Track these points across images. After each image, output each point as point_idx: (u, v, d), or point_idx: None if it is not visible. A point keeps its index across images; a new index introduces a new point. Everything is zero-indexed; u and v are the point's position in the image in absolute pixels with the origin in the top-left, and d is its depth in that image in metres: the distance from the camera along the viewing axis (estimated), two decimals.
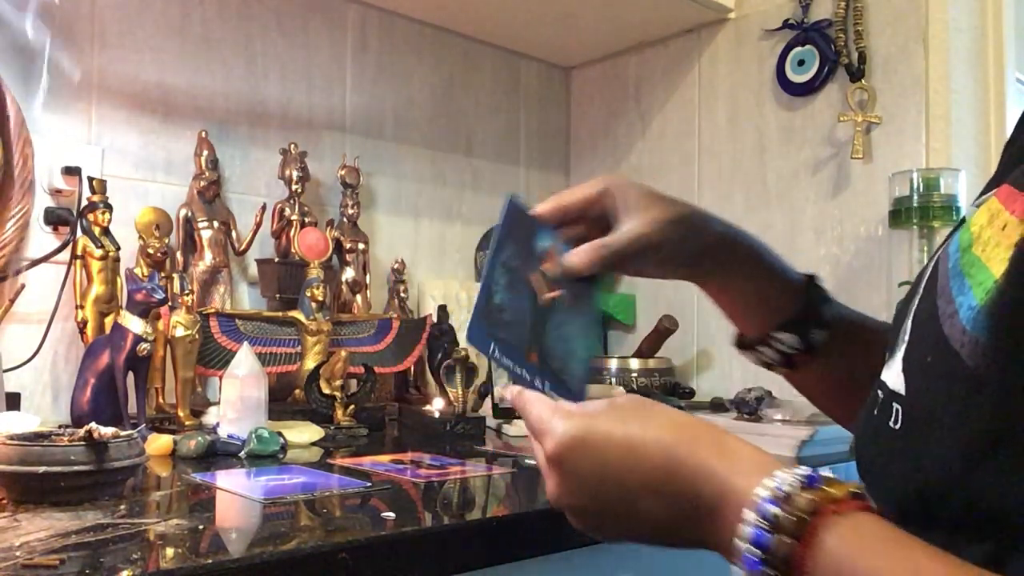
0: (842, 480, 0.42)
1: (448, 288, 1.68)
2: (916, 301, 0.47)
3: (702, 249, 0.64)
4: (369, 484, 0.78)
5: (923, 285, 0.46)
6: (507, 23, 1.74)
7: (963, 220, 0.47)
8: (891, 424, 0.46)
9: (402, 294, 1.55)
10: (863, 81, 1.45)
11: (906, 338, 0.46)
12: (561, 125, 2.01)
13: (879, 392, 0.48)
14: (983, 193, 0.48)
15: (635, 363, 1.59)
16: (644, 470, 0.48)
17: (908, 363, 0.45)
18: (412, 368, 1.46)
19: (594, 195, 0.64)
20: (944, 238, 0.49)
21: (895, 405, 0.46)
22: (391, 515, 0.65)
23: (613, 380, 1.57)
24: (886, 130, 1.43)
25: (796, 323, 0.66)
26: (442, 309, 1.50)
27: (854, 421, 0.54)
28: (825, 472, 0.42)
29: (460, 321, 1.63)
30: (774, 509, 0.40)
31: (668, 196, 0.64)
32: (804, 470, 0.42)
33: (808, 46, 1.53)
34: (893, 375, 0.47)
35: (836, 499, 0.40)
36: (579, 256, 0.62)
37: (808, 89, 1.54)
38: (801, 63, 1.54)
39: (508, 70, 1.90)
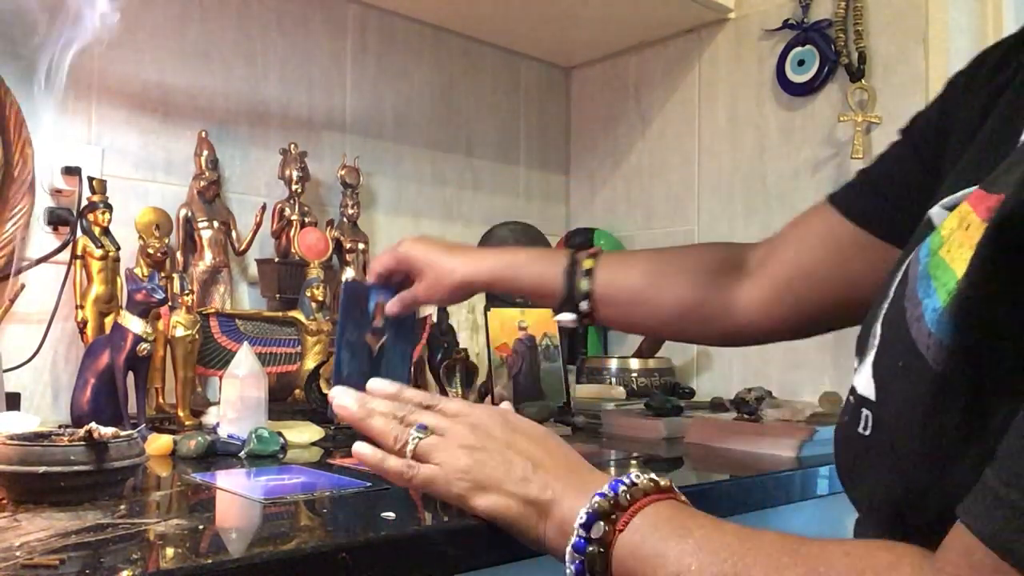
0: (655, 477, 0.52)
1: None
2: (885, 306, 0.47)
3: (472, 293, 0.95)
4: (369, 484, 0.78)
5: (893, 289, 0.46)
6: (507, 23, 1.74)
7: (931, 224, 0.47)
8: (860, 430, 0.46)
9: None
10: (863, 81, 1.45)
11: (876, 343, 0.46)
12: (561, 125, 2.01)
13: (850, 398, 0.48)
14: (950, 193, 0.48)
15: (635, 363, 1.59)
16: (547, 442, 0.62)
17: (878, 368, 0.46)
18: (412, 368, 1.46)
19: (393, 264, 0.95)
20: (910, 241, 0.49)
21: (864, 411, 0.46)
22: (391, 515, 0.65)
23: (613, 380, 1.57)
24: (886, 130, 1.43)
25: (565, 301, 0.87)
26: (442, 309, 1.50)
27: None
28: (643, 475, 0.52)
29: (460, 321, 1.63)
30: (601, 501, 0.50)
31: (451, 256, 0.92)
32: (624, 478, 0.51)
33: (808, 46, 1.53)
34: (863, 381, 0.47)
35: (659, 490, 0.51)
36: (391, 304, 0.97)
37: (808, 89, 1.54)
38: (801, 63, 1.54)
39: (508, 70, 1.90)
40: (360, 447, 0.65)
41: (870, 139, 1.45)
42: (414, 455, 0.61)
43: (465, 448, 0.60)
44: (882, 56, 1.45)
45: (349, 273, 1.47)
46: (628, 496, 0.49)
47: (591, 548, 0.48)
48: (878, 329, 0.47)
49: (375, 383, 0.70)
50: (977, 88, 0.58)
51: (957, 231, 0.41)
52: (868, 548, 0.39)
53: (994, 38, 1.45)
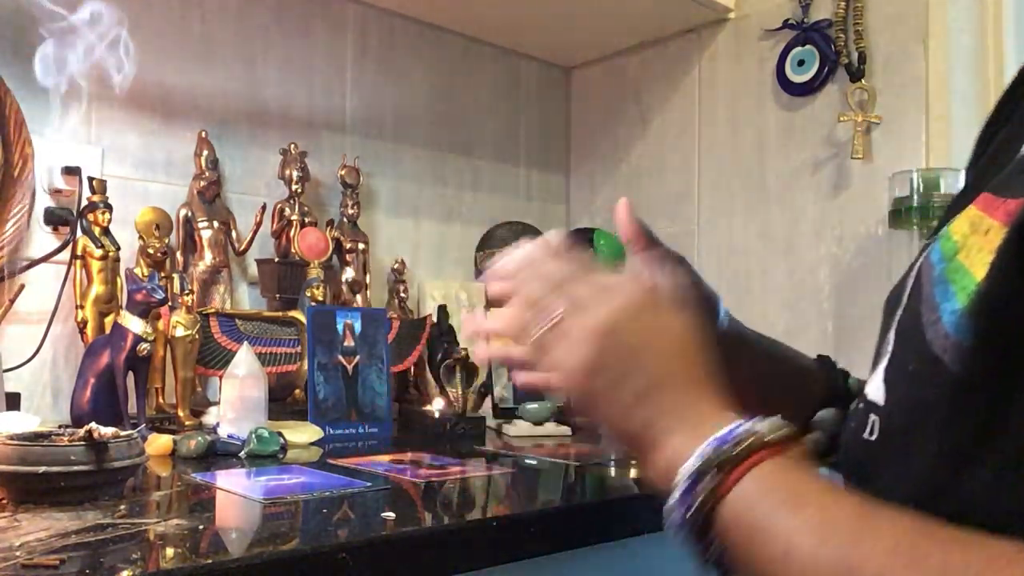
0: (776, 424, 0.45)
1: (448, 288, 1.68)
2: (899, 313, 0.47)
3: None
4: (369, 484, 0.78)
5: (906, 296, 0.46)
6: (507, 23, 1.74)
7: (938, 232, 0.47)
8: (865, 435, 0.46)
9: (402, 294, 1.55)
10: (863, 81, 1.45)
11: (889, 349, 0.46)
12: (561, 125, 2.01)
13: (859, 404, 0.48)
14: (951, 214, 0.48)
15: None
16: (685, 347, 0.52)
17: (890, 373, 0.45)
18: (412, 368, 1.46)
19: None
20: (920, 250, 0.49)
21: (871, 416, 0.46)
22: (391, 515, 0.65)
23: None
24: (886, 130, 1.43)
25: (829, 401, 0.67)
26: (442, 309, 1.50)
27: None
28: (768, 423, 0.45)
29: (460, 321, 1.63)
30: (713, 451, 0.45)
31: None
32: (740, 426, 0.45)
33: (808, 46, 1.53)
34: (874, 387, 0.47)
35: (766, 445, 0.44)
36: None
37: (808, 89, 1.54)
38: (801, 63, 1.54)
39: (508, 70, 1.90)
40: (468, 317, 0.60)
41: (870, 139, 1.45)
42: (541, 344, 0.55)
43: (587, 346, 0.52)
44: (882, 56, 1.45)
45: (349, 273, 1.47)
46: (740, 450, 0.44)
47: (694, 507, 0.45)
48: (891, 336, 0.47)
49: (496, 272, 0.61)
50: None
51: (973, 236, 0.41)
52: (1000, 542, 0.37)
53: (994, 38, 1.45)
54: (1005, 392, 0.37)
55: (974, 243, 0.41)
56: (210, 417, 1.12)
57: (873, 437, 0.45)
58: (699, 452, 0.45)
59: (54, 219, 1.21)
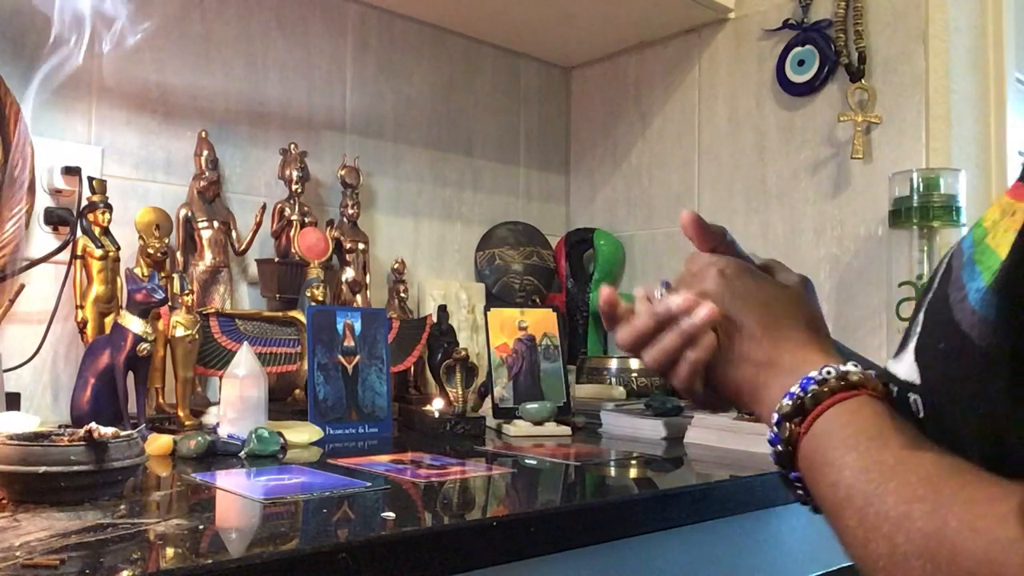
0: (847, 372, 0.50)
1: (448, 288, 1.68)
2: (928, 297, 0.48)
3: None
4: (369, 484, 0.78)
5: (936, 281, 0.48)
6: (507, 23, 1.74)
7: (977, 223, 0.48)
8: (913, 413, 0.47)
9: (402, 294, 1.55)
10: (863, 81, 1.45)
11: (918, 330, 0.48)
12: (561, 125, 2.01)
13: (893, 387, 0.50)
14: None
15: (635, 363, 1.59)
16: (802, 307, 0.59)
17: (920, 353, 0.47)
18: (412, 368, 1.46)
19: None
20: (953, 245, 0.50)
21: (912, 396, 0.47)
22: (391, 515, 0.65)
23: (613, 380, 1.57)
24: (886, 130, 1.43)
25: None
26: (442, 309, 1.50)
27: None
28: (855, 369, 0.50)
29: (460, 321, 1.63)
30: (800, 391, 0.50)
31: None
32: (840, 368, 0.50)
33: (808, 46, 1.53)
34: (905, 367, 0.48)
35: (855, 386, 0.49)
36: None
37: (808, 89, 1.54)
38: (801, 63, 1.54)
39: (508, 70, 1.90)
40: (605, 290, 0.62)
41: (870, 139, 1.45)
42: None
43: (711, 285, 0.58)
44: (882, 56, 1.45)
45: (349, 273, 1.47)
46: (823, 390, 0.50)
47: (780, 446, 0.50)
48: (920, 317, 0.48)
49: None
50: None
51: (1002, 220, 0.43)
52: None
53: (994, 38, 1.45)
54: None
55: (1002, 225, 0.42)
56: (210, 417, 1.12)
57: (921, 415, 0.47)
58: (790, 393, 0.50)
59: (54, 219, 1.21)
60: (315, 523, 0.64)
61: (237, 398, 1.00)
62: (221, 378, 1.04)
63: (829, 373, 0.50)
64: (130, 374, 1.01)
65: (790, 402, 0.50)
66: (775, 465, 0.51)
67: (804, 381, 0.50)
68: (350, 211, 1.49)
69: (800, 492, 0.51)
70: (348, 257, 1.48)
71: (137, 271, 1.12)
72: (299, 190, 1.42)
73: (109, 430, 0.67)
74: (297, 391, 1.29)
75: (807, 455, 0.49)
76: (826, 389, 0.50)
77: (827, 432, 0.48)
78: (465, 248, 1.79)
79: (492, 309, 1.31)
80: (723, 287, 0.58)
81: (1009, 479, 0.38)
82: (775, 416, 0.51)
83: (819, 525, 0.93)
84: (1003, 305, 0.40)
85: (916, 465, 0.42)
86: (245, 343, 1.08)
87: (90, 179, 1.17)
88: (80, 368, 1.02)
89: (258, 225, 1.37)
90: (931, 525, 0.38)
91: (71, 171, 1.20)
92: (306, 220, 1.42)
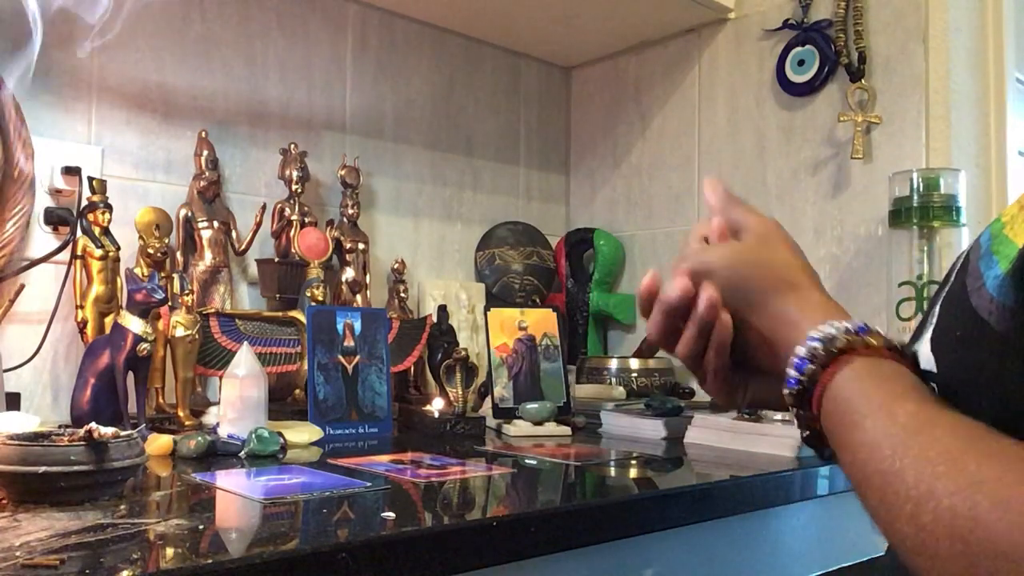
0: (881, 335, 0.50)
1: (448, 288, 1.68)
2: (945, 289, 0.49)
3: None
4: (369, 484, 0.78)
5: (954, 274, 0.49)
6: (507, 23, 1.74)
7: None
8: None
9: (402, 294, 1.55)
10: (863, 81, 1.45)
11: (933, 320, 0.49)
12: (561, 125, 2.01)
13: None
14: None
15: (635, 363, 1.59)
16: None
17: (937, 342, 0.47)
18: (412, 368, 1.46)
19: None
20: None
21: (931, 384, 0.47)
22: (391, 515, 0.65)
23: (613, 380, 1.57)
24: (886, 130, 1.43)
25: None
26: (442, 309, 1.50)
27: None
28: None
29: (460, 321, 1.63)
30: (816, 345, 0.50)
31: None
32: (855, 323, 0.51)
33: (808, 46, 1.53)
34: (922, 357, 0.49)
35: (867, 345, 0.49)
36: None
37: (808, 89, 1.54)
38: (801, 63, 1.54)
39: (508, 70, 1.90)
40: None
41: (870, 139, 1.45)
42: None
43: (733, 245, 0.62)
44: (882, 56, 1.45)
45: (349, 273, 1.47)
46: (843, 345, 0.49)
47: (803, 380, 0.50)
48: (936, 309, 0.49)
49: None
50: None
51: (1021, 213, 0.44)
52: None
53: (994, 38, 1.45)
54: None
55: (1019, 218, 0.43)
56: (210, 417, 1.12)
57: None
58: (810, 339, 0.50)
59: (54, 219, 1.21)
60: (315, 523, 0.64)
61: (237, 398, 1.00)
62: (221, 378, 1.04)
63: (847, 327, 0.50)
64: (130, 374, 1.01)
65: (809, 350, 0.50)
66: (791, 404, 0.51)
67: (827, 334, 0.50)
68: (350, 211, 1.49)
69: (808, 434, 0.51)
70: (348, 257, 1.48)
71: (137, 271, 1.12)
72: (299, 190, 1.42)
73: (109, 430, 0.67)
74: (297, 391, 1.29)
75: (828, 405, 0.48)
76: (845, 344, 0.49)
77: (852, 383, 0.47)
78: (465, 248, 1.79)
79: (492, 309, 1.31)
80: (721, 261, 0.60)
81: None
82: (802, 349, 0.50)
83: (819, 525, 0.93)
84: (1020, 291, 0.40)
85: (933, 436, 0.41)
86: (245, 343, 1.08)
87: (90, 179, 1.17)
88: (80, 368, 1.02)
89: (258, 225, 1.37)
90: (959, 504, 0.37)
91: (71, 171, 1.20)
92: (306, 220, 1.42)
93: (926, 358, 0.48)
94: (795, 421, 0.52)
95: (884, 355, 0.48)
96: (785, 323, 0.55)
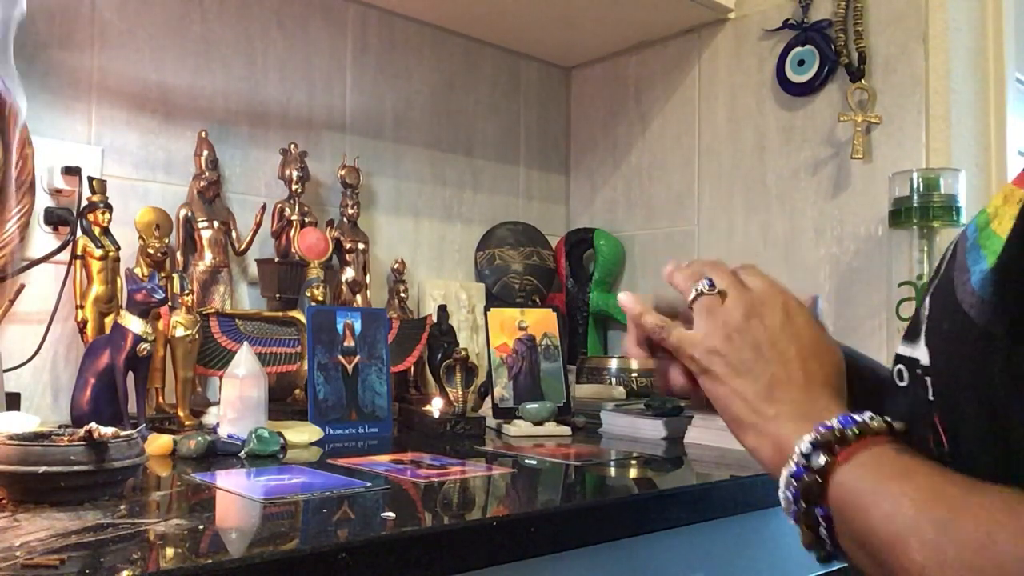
0: (889, 420, 0.48)
1: (448, 288, 1.68)
2: (935, 284, 0.49)
3: None
4: (369, 484, 0.78)
5: (943, 268, 0.49)
6: (507, 23, 1.74)
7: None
8: (930, 397, 0.48)
9: (402, 294, 1.55)
10: (863, 81, 1.45)
11: (926, 314, 0.49)
12: (561, 125, 2.01)
13: (916, 371, 0.50)
14: None
15: (635, 363, 1.59)
16: (823, 350, 0.56)
17: (929, 335, 0.48)
18: (412, 368, 1.46)
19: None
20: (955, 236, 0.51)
21: (927, 378, 0.48)
22: (391, 515, 0.65)
23: (613, 380, 1.57)
24: (886, 130, 1.43)
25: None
26: (442, 309, 1.50)
27: None
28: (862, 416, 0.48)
29: (460, 321, 1.63)
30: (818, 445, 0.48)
31: None
32: (856, 415, 0.48)
33: (808, 46, 1.53)
34: (921, 351, 0.49)
35: (879, 432, 0.47)
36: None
37: (808, 89, 1.54)
38: (801, 63, 1.54)
39: (508, 70, 1.90)
40: (624, 295, 0.63)
41: (870, 139, 1.45)
42: (690, 308, 0.59)
43: (729, 327, 0.57)
44: (882, 56, 1.45)
45: (349, 273, 1.47)
46: (856, 431, 0.47)
47: (808, 477, 0.47)
48: (927, 302, 0.49)
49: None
50: None
51: (1004, 206, 0.44)
52: None
53: (994, 38, 1.45)
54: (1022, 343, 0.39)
55: (1005, 211, 0.43)
56: (210, 417, 1.12)
57: (932, 398, 0.47)
58: (813, 434, 0.48)
59: (54, 219, 1.21)
60: (315, 523, 0.64)
61: (237, 398, 1.00)
62: (221, 378, 1.04)
63: (872, 419, 0.48)
64: (130, 374, 1.01)
65: (827, 432, 0.47)
66: (797, 501, 0.48)
67: (844, 419, 0.48)
68: (350, 211, 1.49)
69: (823, 530, 0.48)
70: (348, 257, 1.48)
71: (137, 271, 1.12)
72: (299, 190, 1.42)
73: (109, 430, 0.67)
74: (297, 391, 1.29)
75: (845, 485, 0.46)
76: (871, 427, 0.47)
77: (873, 463, 0.46)
78: (465, 248, 1.79)
79: (492, 309, 1.31)
80: (737, 327, 0.57)
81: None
82: (806, 446, 0.48)
83: None
84: (1000, 285, 0.41)
85: (985, 492, 0.40)
86: (245, 343, 1.08)
87: (90, 179, 1.17)
88: (80, 368, 1.02)
89: (258, 225, 1.37)
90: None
91: (71, 171, 1.20)
92: (306, 220, 1.42)
93: (924, 351, 0.48)
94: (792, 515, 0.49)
95: (891, 440, 0.47)
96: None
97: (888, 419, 0.49)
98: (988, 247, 0.43)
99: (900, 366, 0.51)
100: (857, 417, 0.48)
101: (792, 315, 0.57)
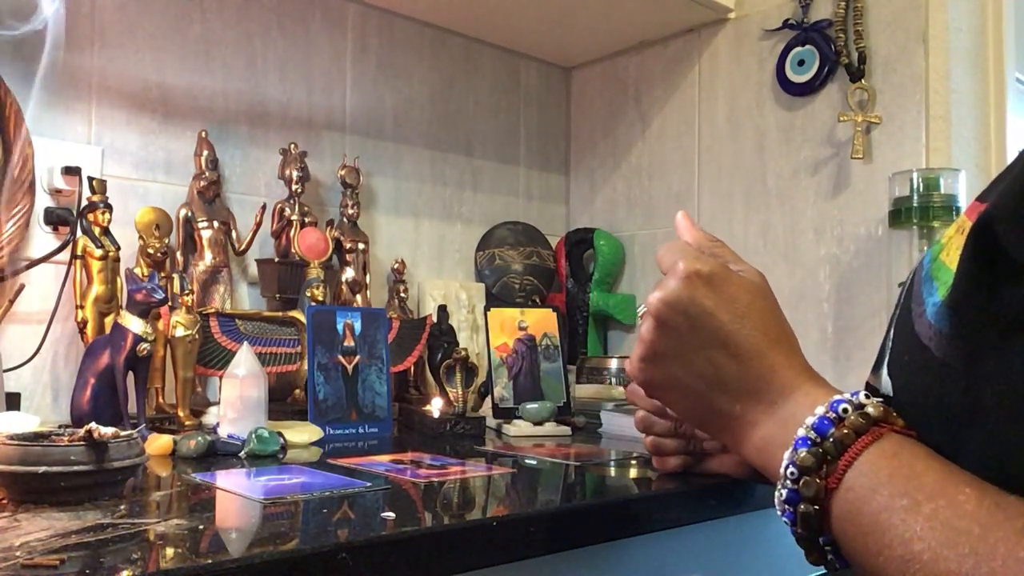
0: (863, 404, 0.46)
1: (448, 288, 1.68)
2: (896, 313, 0.50)
3: None
4: (369, 484, 0.78)
5: (902, 298, 0.50)
6: (507, 23, 1.74)
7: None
8: None
9: (402, 294, 1.55)
10: (863, 81, 1.45)
11: (889, 345, 0.49)
12: (561, 125, 2.01)
13: (879, 401, 0.50)
14: None
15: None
16: (746, 332, 0.54)
17: (891, 366, 0.48)
18: (412, 368, 1.46)
19: None
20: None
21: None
22: (391, 515, 0.65)
23: (613, 380, 1.57)
24: (886, 130, 1.43)
25: None
26: (442, 309, 1.50)
27: None
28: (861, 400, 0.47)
29: (460, 321, 1.63)
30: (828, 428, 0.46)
31: None
32: (853, 399, 0.46)
33: (808, 46, 1.53)
34: (884, 381, 0.49)
35: (859, 431, 0.45)
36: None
37: (808, 89, 1.54)
38: (801, 63, 1.54)
39: (508, 70, 1.90)
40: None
41: (870, 139, 1.45)
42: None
43: (644, 345, 0.59)
44: (882, 56, 1.45)
45: (349, 273, 1.47)
46: (837, 443, 0.44)
47: (803, 507, 0.45)
48: (891, 333, 0.49)
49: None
50: None
51: (956, 236, 0.44)
52: None
53: (994, 38, 1.45)
54: (982, 371, 0.40)
55: (954, 242, 0.43)
56: (210, 417, 1.12)
57: None
58: (791, 454, 0.45)
59: (54, 219, 1.21)
60: (315, 523, 0.64)
61: (237, 398, 1.00)
62: (221, 378, 1.04)
63: (845, 410, 0.45)
64: (130, 374, 1.01)
65: (807, 450, 0.44)
66: (798, 527, 0.46)
67: (818, 423, 0.45)
68: (350, 211, 1.49)
69: (830, 557, 0.46)
70: (348, 257, 1.48)
71: (137, 271, 1.12)
72: (299, 190, 1.42)
73: (109, 430, 0.67)
74: (297, 391, 1.29)
75: (847, 512, 0.43)
76: (848, 430, 0.44)
77: (870, 485, 0.42)
78: (465, 248, 1.79)
79: (492, 309, 1.31)
80: (653, 331, 0.58)
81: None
82: (791, 470, 0.45)
83: None
84: (953, 320, 0.41)
85: (1012, 517, 0.37)
86: (245, 343, 1.08)
87: (90, 179, 1.17)
88: (80, 368, 1.02)
89: (258, 225, 1.37)
90: None
91: (71, 171, 1.20)
92: (306, 220, 1.42)
93: (886, 381, 0.48)
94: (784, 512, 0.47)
95: (897, 430, 0.45)
96: (749, 395, 0.54)
97: (861, 399, 0.46)
98: (939, 278, 0.43)
99: (867, 393, 0.49)
100: (832, 416, 0.45)
101: (695, 316, 0.55)
